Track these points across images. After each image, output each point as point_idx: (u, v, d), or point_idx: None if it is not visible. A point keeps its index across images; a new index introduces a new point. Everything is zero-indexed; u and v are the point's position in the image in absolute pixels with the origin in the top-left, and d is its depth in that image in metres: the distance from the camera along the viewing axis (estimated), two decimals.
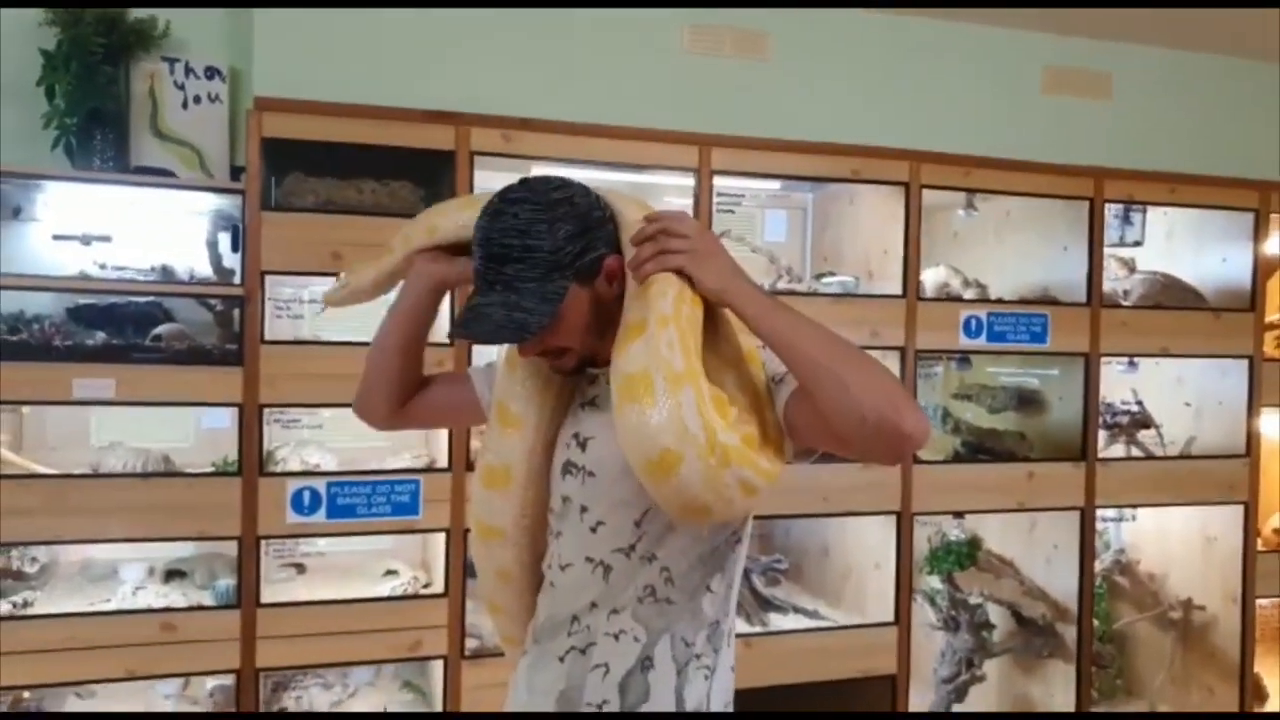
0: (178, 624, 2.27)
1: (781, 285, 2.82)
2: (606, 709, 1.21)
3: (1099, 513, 2.95)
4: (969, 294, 2.91)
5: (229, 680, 2.48)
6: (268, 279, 2.32)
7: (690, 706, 1.22)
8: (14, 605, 2.29)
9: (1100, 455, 2.94)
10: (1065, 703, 2.93)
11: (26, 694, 2.39)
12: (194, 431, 2.65)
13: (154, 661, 2.26)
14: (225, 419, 2.51)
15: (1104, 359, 2.93)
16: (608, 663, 1.21)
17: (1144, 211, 3.14)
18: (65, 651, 2.20)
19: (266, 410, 2.34)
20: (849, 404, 1.04)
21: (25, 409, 2.48)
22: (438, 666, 2.46)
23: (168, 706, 2.47)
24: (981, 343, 2.81)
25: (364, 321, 2.66)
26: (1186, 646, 3.20)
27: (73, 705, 2.51)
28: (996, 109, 2.83)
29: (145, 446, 2.45)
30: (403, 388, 1.40)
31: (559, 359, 1.22)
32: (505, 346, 1.32)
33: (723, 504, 1.10)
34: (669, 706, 1.22)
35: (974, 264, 3.09)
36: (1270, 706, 3.28)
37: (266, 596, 2.33)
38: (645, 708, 1.21)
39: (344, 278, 1.43)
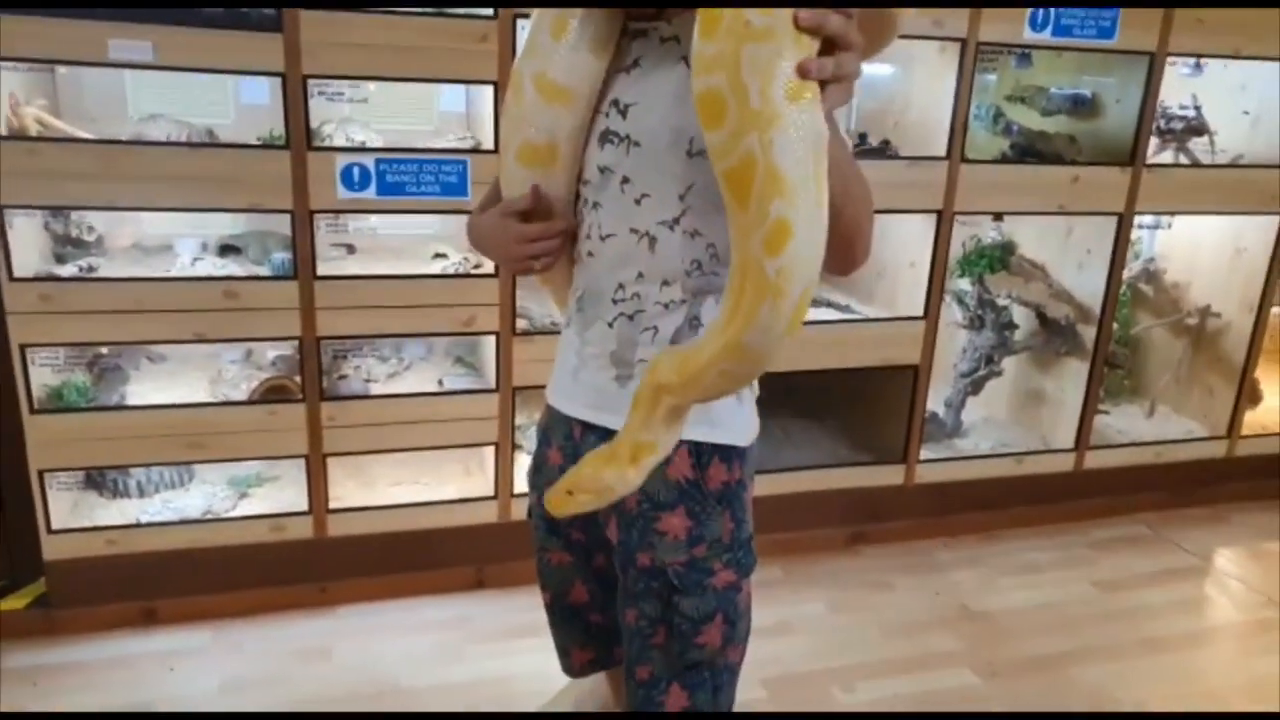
0: (239, 292, 2.34)
1: None
2: None
3: (1135, 220, 2.96)
4: None
5: (289, 350, 2.62)
6: None
7: None
8: (80, 269, 2.35)
9: (1149, 161, 2.91)
10: (1074, 399, 3.11)
11: (105, 350, 2.53)
12: (233, 107, 2.60)
13: (219, 327, 2.35)
14: (265, 94, 2.46)
15: (1170, 60, 2.81)
16: (656, 325, 1.23)
17: None
18: (135, 314, 2.28)
19: (309, 83, 2.28)
20: (850, 241, 1.10)
21: (61, 71, 2.41)
22: (489, 342, 2.58)
23: (233, 370, 2.62)
24: (1047, 37, 2.68)
25: None
26: (1196, 351, 3.35)
27: (145, 367, 2.67)
28: None
29: (187, 119, 2.42)
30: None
31: None
32: (540, 14, 1.21)
33: None
34: None
35: None
36: (1262, 409, 3.49)
37: (321, 271, 2.40)
38: None
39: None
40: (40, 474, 2.31)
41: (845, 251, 1.10)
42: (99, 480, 2.53)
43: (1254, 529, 3.22)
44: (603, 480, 1.08)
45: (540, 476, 1.40)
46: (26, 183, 2.15)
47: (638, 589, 1.28)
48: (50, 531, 2.35)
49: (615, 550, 1.32)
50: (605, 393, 1.27)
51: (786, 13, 0.86)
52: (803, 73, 0.87)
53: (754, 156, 0.89)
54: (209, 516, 2.48)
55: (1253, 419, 3.39)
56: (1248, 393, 3.29)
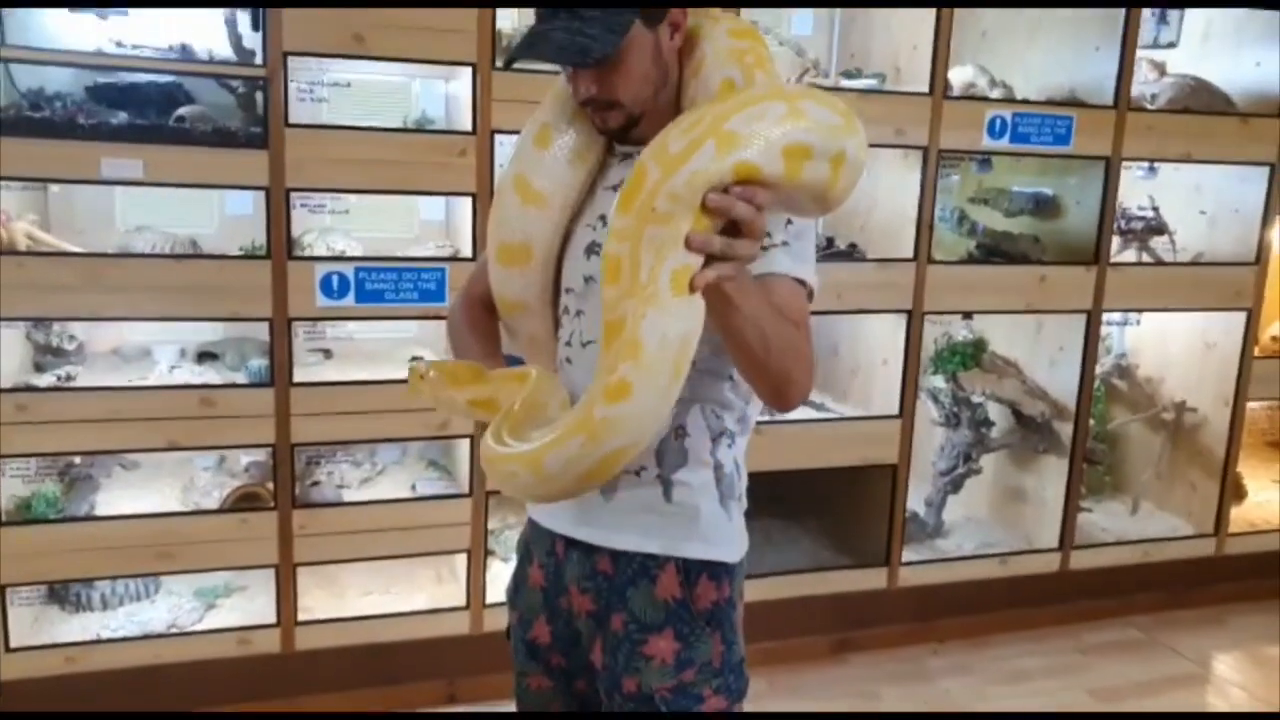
0: (215, 399, 2.36)
1: (807, 80, 2.77)
2: (644, 475, 1.24)
3: (1104, 317, 3.02)
4: (995, 94, 2.87)
5: (263, 455, 2.62)
6: (289, 60, 2.28)
7: (727, 470, 1.28)
8: (58, 378, 2.37)
9: (1112, 260, 2.98)
10: (1056, 496, 3.09)
11: (77, 460, 2.52)
12: (218, 217, 2.67)
13: (194, 434, 2.35)
14: (248, 205, 2.53)
15: (1125, 164, 2.92)
16: None
17: (1182, 11, 3.04)
18: (110, 422, 2.29)
19: (292, 195, 2.35)
20: (780, 385, 1.14)
21: (54, 188, 2.49)
22: (464, 445, 2.58)
23: (206, 478, 2.61)
24: (1005, 144, 2.79)
25: (385, 106, 2.70)
26: (1175, 445, 3.35)
27: (118, 475, 2.65)
28: None
29: (172, 231, 2.48)
30: (492, 334, 1.40)
31: (605, 113, 1.19)
32: (530, 124, 1.29)
33: None
34: (706, 470, 1.26)
35: (1002, 65, 3.03)
36: (1248, 505, 3.47)
37: (298, 377, 2.42)
38: (683, 472, 1.25)
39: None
40: (3, 589, 2.27)
41: (778, 391, 1.15)
42: (62, 594, 2.48)
43: (1251, 632, 3.15)
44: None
45: (520, 597, 1.38)
46: (13, 295, 2.19)
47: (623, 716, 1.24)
48: (8, 650, 2.29)
49: (599, 675, 1.29)
50: (589, 506, 1.27)
51: (698, 195, 0.94)
52: (688, 244, 0.95)
53: (626, 321, 0.99)
54: (174, 630, 2.42)
55: (1239, 514, 3.37)
56: (1231, 489, 3.28)
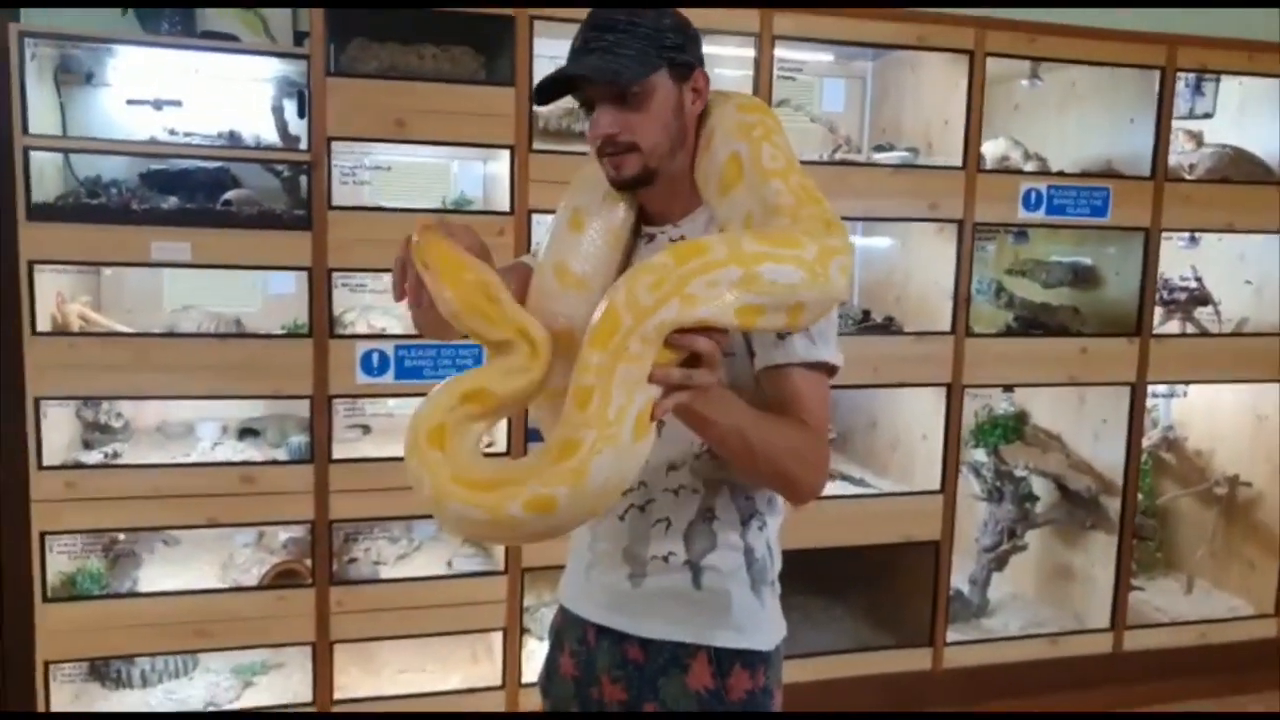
0: (256, 476, 2.39)
1: (840, 156, 2.80)
2: (673, 560, 1.23)
3: (1149, 389, 2.96)
4: (1029, 167, 2.88)
5: (301, 532, 2.63)
6: (333, 145, 2.36)
7: (759, 554, 1.26)
8: (105, 455, 2.42)
9: (1155, 332, 2.94)
10: (1105, 574, 3.00)
11: (121, 536, 2.56)
12: (261, 297, 2.74)
13: (234, 511, 2.39)
14: (291, 284, 2.59)
15: (1165, 234, 2.89)
16: (669, 517, 1.23)
17: (1217, 81, 3.04)
18: (154, 499, 2.34)
19: (334, 275, 2.41)
20: (785, 485, 1.19)
21: (106, 270, 2.57)
22: None
23: (245, 554, 2.63)
24: (1041, 216, 2.78)
25: (425, 187, 2.77)
26: (1229, 521, 3.25)
27: (160, 551, 2.68)
28: None
29: (217, 310, 2.55)
30: None
31: (622, 158, 1.20)
32: (563, 210, 1.31)
33: None
34: (736, 554, 1.24)
35: (1036, 137, 3.03)
36: None
37: (337, 454, 2.44)
38: (711, 557, 1.23)
39: None
40: (46, 665, 2.29)
41: (781, 491, 1.21)
42: (103, 670, 2.49)
43: None
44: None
45: (553, 686, 1.36)
46: (65, 374, 2.26)
47: None
48: None
49: None
50: (618, 593, 1.26)
51: (664, 335, 1.02)
52: (652, 379, 1.02)
53: (581, 446, 1.01)
54: (210, 708, 2.42)
55: None
56: None
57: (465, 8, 2.36)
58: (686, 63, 1.20)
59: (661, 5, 1.21)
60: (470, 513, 1.02)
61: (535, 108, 2.44)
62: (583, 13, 1.22)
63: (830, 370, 1.21)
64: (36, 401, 2.25)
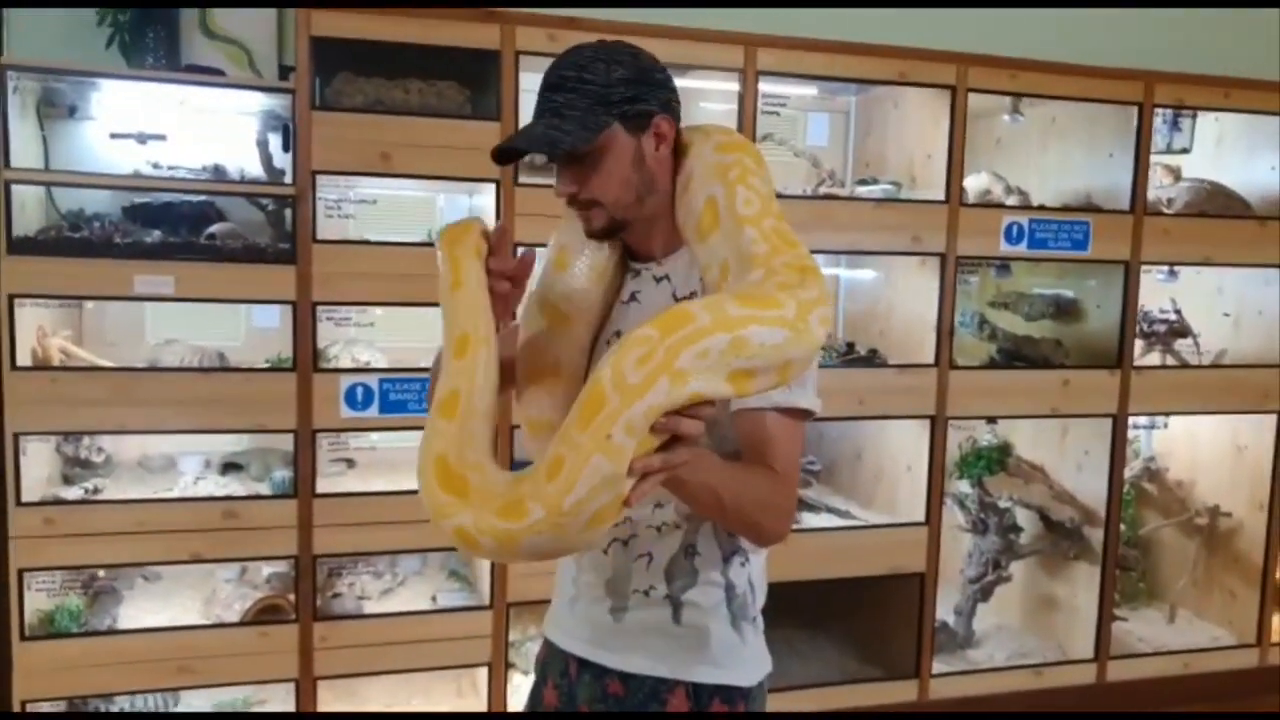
0: (239, 511, 2.38)
1: (823, 190, 2.82)
2: (654, 595, 1.24)
3: (1131, 420, 2.98)
4: (1011, 201, 2.91)
5: (284, 567, 2.61)
6: (318, 179, 2.36)
7: (739, 590, 1.26)
8: (85, 491, 2.40)
9: (1136, 364, 2.96)
10: (1089, 604, 3.01)
11: (102, 573, 2.53)
12: (245, 330, 2.72)
13: (217, 546, 2.37)
14: (275, 318, 2.58)
15: (1144, 267, 2.92)
16: (650, 552, 1.24)
17: (1194, 117, 3.09)
18: (135, 535, 2.31)
19: (318, 309, 2.40)
20: (750, 529, 1.19)
21: (88, 304, 2.55)
22: None
23: (227, 590, 2.60)
24: (1022, 249, 2.81)
25: (410, 221, 2.76)
26: (1210, 551, 3.27)
27: (140, 587, 2.65)
28: (1045, 10, 2.78)
29: (200, 344, 2.53)
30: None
31: (588, 212, 1.22)
32: (551, 247, 1.33)
33: None
34: (717, 589, 1.25)
35: (1017, 172, 3.07)
36: None
37: (320, 488, 2.43)
38: (692, 592, 1.24)
39: None
40: (23, 704, 2.26)
41: (748, 537, 1.22)
42: (82, 709, 2.45)
43: None
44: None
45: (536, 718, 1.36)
46: (45, 409, 2.24)
47: None
48: None
49: None
50: (600, 626, 1.27)
51: (650, 423, 1.00)
52: (631, 470, 0.99)
53: (528, 514, 1.01)
54: None
55: None
56: (1273, 597, 3.18)
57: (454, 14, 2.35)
58: (642, 113, 1.19)
59: (634, 50, 1.21)
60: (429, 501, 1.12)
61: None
62: (569, 39, 1.23)
63: (806, 415, 1.21)
64: (16, 437, 2.23)
